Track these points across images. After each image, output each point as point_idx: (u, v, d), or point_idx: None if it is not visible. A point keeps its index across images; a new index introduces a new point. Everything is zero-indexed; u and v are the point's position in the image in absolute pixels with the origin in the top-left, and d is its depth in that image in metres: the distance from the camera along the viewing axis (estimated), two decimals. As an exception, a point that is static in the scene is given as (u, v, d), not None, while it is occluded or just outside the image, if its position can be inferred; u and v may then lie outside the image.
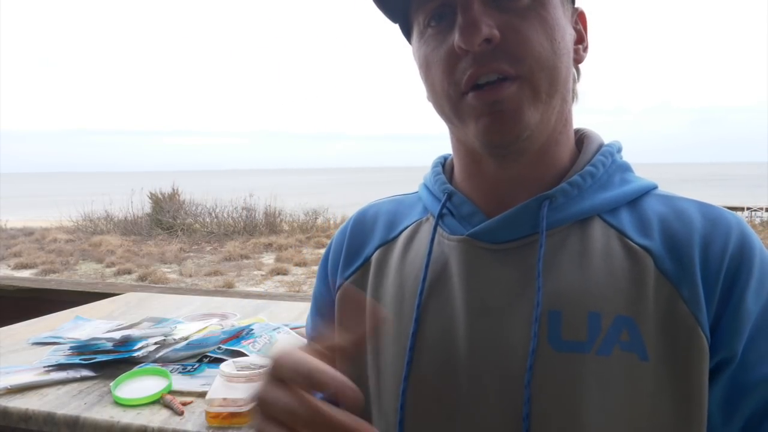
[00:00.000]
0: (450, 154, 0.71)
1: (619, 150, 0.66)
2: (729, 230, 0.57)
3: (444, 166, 0.71)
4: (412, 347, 0.59)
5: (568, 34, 0.59)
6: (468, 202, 0.63)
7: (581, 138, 0.67)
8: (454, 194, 0.64)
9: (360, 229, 0.72)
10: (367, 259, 0.69)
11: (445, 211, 0.65)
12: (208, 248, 11.43)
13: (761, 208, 15.07)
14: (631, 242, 0.57)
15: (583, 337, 0.54)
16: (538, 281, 0.56)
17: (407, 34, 0.65)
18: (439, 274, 0.62)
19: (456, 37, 0.54)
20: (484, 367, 0.56)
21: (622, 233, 0.58)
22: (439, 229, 0.65)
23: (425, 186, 0.71)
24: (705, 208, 0.59)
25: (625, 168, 0.64)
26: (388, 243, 0.69)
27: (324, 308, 0.73)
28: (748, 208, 15.16)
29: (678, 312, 0.54)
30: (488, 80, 0.55)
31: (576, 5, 0.63)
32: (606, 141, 0.67)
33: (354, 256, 0.70)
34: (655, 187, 0.63)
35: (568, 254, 0.58)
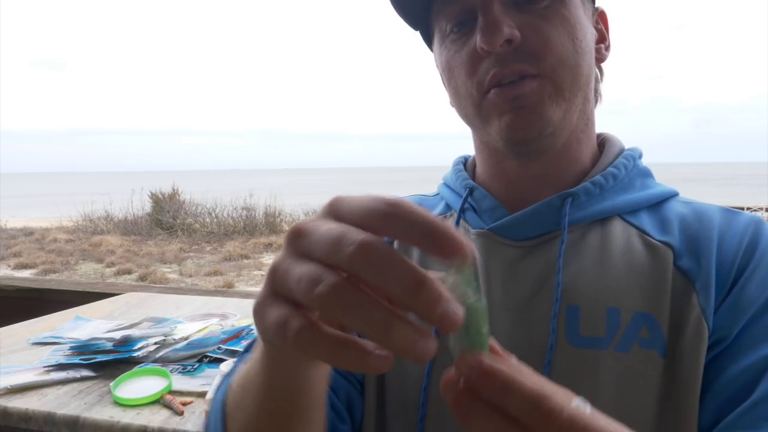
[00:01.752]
0: (470, 155, 0.72)
1: (640, 156, 0.66)
2: (746, 225, 0.58)
3: (465, 165, 0.71)
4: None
5: (590, 34, 0.59)
6: (489, 197, 0.63)
7: (603, 141, 0.67)
8: (476, 189, 0.65)
9: None
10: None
11: (467, 206, 0.65)
12: (208, 248, 11.43)
13: (761, 208, 15.08)
14: (651, 239, 0.58)
15: (602, 333, 0.54)
16: (557, 277, 0.56)
17: (428, 40, 0.65)
18: None
19: (477, 39, 0.54)
20: None
21: (642, 231, 0.59)
22: (463, 223, 0.65)
23: (445, 185, 0.71)
24: (726, 210, 0.61)
25: (647, 174, 0.65)
26: None
27: None
28: (748, 208, 15.18)
29: (689, 305, 0.54)
30: (511, 80, 0.55)
31: (596, 5, 0.64)
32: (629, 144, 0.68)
33: None
34: (677, 194, 0.63)
35: (587, 250, 0.58)
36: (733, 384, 0.52)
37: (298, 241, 0.30)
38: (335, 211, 0.31)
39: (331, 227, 0.29)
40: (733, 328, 0.53)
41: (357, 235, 0.28)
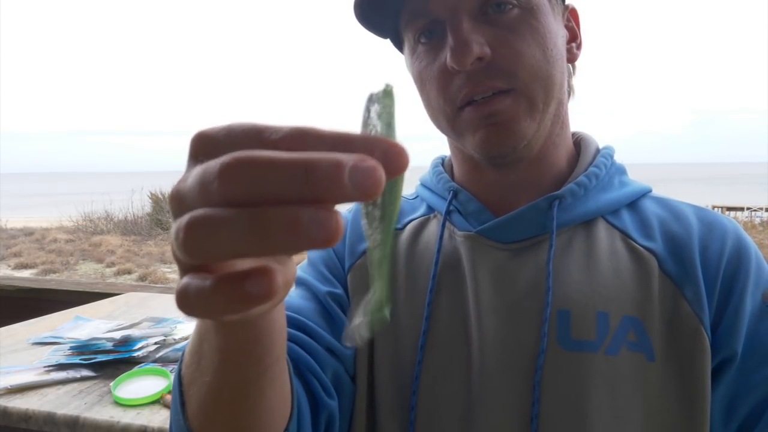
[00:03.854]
0: (447, 155, 0.71)
1: (614, 153, 0.66)
2: (725, 233, 0.58)
3: (443, 166, 0.71)
4: (423, 346, 0.59)
5: (561, 38, 0.59)
6: (474, 200, 0.64)
7: (578, 140, 0.67)
8: (460, 191, 0.65)
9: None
10: None
11: (451, 208, 0.65)
12: (208, 248, 11.41)
13: (761, 208, 15.07)
14: (635, 244, 0.58)
15: (593, 336, 0.54)
16: (548, 281, 0.56)
17: (398, 45, 0.65)
18: (449, 269, 0.62)
19: (448, 58, 0.54)
20: (494, 365, 0.57)
21: (626, 234, 0.59)
22: (448, 225, 0.65)
23: (424, 186, 0.70)
24: (700, 212, 0.61)
25: (623, 171, 0.65)
26: (395, 230, 0.68)
27: (335, 270, 0.67)
28: (748, 208, 15.17)
29: (682, 313, 0.54)
30: (483, 96, 0.55)
31: (567, 2, 0.63)
32: (604, 143, 0.68)
33: (359, 240, 0.67)
34: (650, 190, 0.64)
35: (575, 254, 0.58)
36: (752, 396, 0.53)
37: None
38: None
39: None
40: (738, 344, 0.54)
41: (218, 161, 0.22)
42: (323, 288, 0.64)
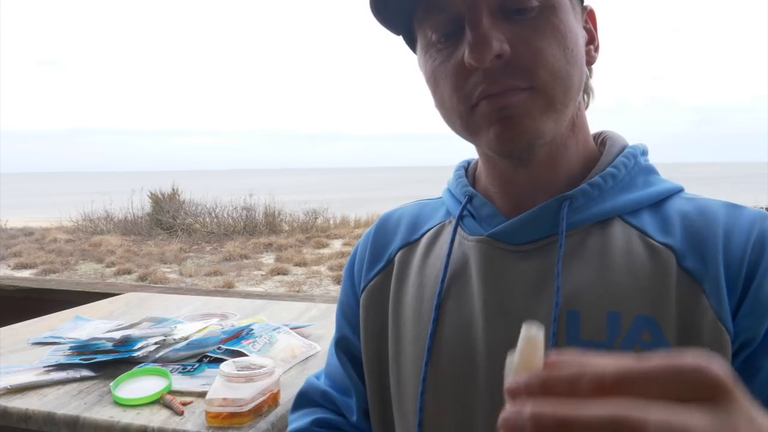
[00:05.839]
0: (473, 159, 0.71)
1: (644, 153, 0.64)
2: (752, 220, 0.56)
3: (467, 170, 0.71)
4: (430, 348, 0.59)
5: (581, 38, 0.58)
6: (488, 204, 0.63)
7: (604, 140, 0.66)
8: (475, 196, 0.64)
9: (383, 232, 0.73)
10: (390, 261, 0.69)
11: (465, 213, 0.65)
12: (208, 248, 11.42)
13: (762, 208, 15.06)
14: (652, 241, 0.56)
15: (603, 338, 0.53)
16: (557, 281, 0.55)
17: (411, 43, 0.64)
18: (458, 274, 0.62)
19: (466, 54, 0.53)
20: (501, 368, 0.56)
21: (643, 233, 0.57)
22: (459, 230, 0.64)
23: (448, 190, 0.71)
24: (729, 205, 0.59)
25: (650, 170, 0.63)
26: (410, 244, 0.69)
27: (350, 314, 0.73)
28: (748, 208, 15.16)
29: (700, 308, 0.53)
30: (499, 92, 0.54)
31: (585, 3, 0.62)
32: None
33: (377, 258, 0.71)
34: (681, 190, 0.62)
35: (587, 254, 0.57)
36: None
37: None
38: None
39: None
40: (760, 329, 0.52)
41: None
42: (336, 335, 0.75)
